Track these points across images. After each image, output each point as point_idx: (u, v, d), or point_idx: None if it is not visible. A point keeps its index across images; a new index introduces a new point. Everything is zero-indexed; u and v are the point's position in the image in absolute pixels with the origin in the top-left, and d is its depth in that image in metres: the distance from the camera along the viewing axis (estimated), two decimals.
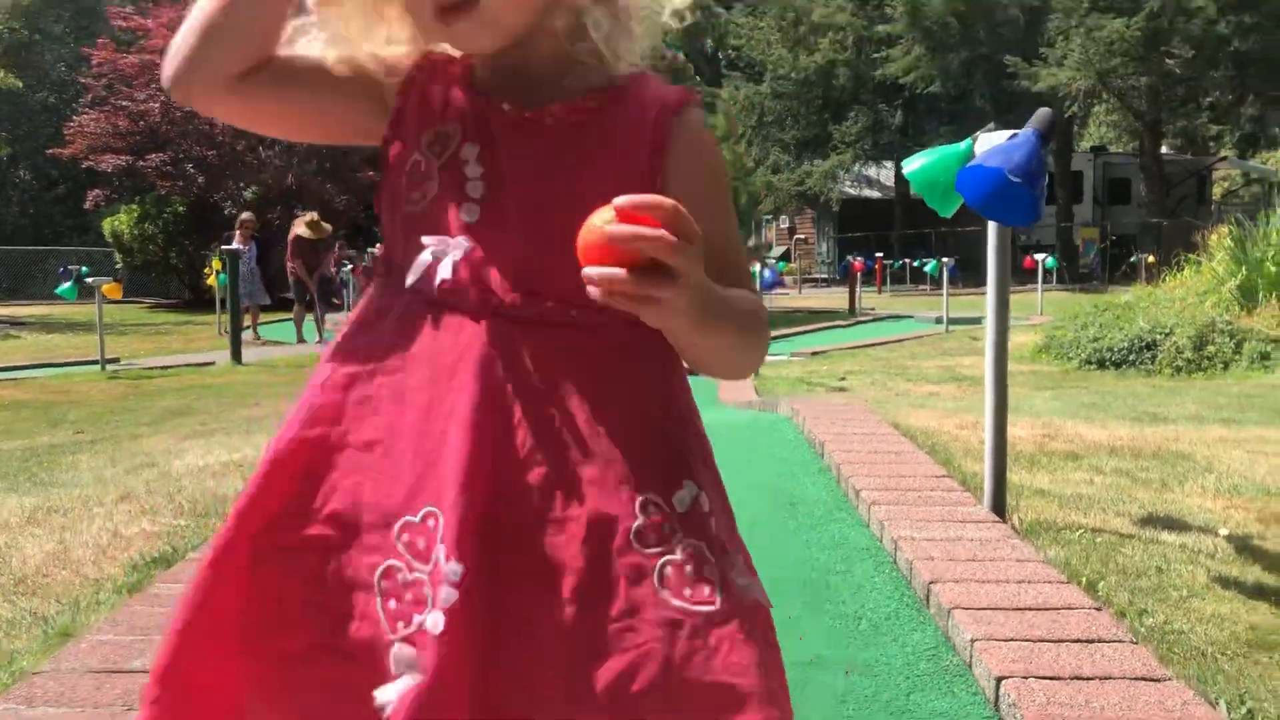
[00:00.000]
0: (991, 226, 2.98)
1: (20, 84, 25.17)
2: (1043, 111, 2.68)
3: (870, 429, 4.03)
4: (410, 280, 0.93)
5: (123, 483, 3.95)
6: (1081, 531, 2.99)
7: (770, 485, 3.46)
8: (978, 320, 8.81)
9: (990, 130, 3.03)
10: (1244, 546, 2.95)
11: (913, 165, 3.21)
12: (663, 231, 0.75)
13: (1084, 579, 2.57)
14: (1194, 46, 23.92)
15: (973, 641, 1.99)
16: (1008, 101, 28.59)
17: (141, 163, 24.28)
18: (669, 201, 0.76)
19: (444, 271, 0.91)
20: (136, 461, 4.55)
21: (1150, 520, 3.18)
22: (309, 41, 0.97)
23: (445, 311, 0.91)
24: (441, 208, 0.93)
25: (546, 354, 0.90)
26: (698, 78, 18.02)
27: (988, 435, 3.03)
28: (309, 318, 14.46)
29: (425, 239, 0.92)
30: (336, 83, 0.98)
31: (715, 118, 34.16)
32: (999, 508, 3.01)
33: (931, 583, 2.32)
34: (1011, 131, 2.80)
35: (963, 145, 3.13)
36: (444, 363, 0.90)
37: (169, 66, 0.95)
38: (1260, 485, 3.69)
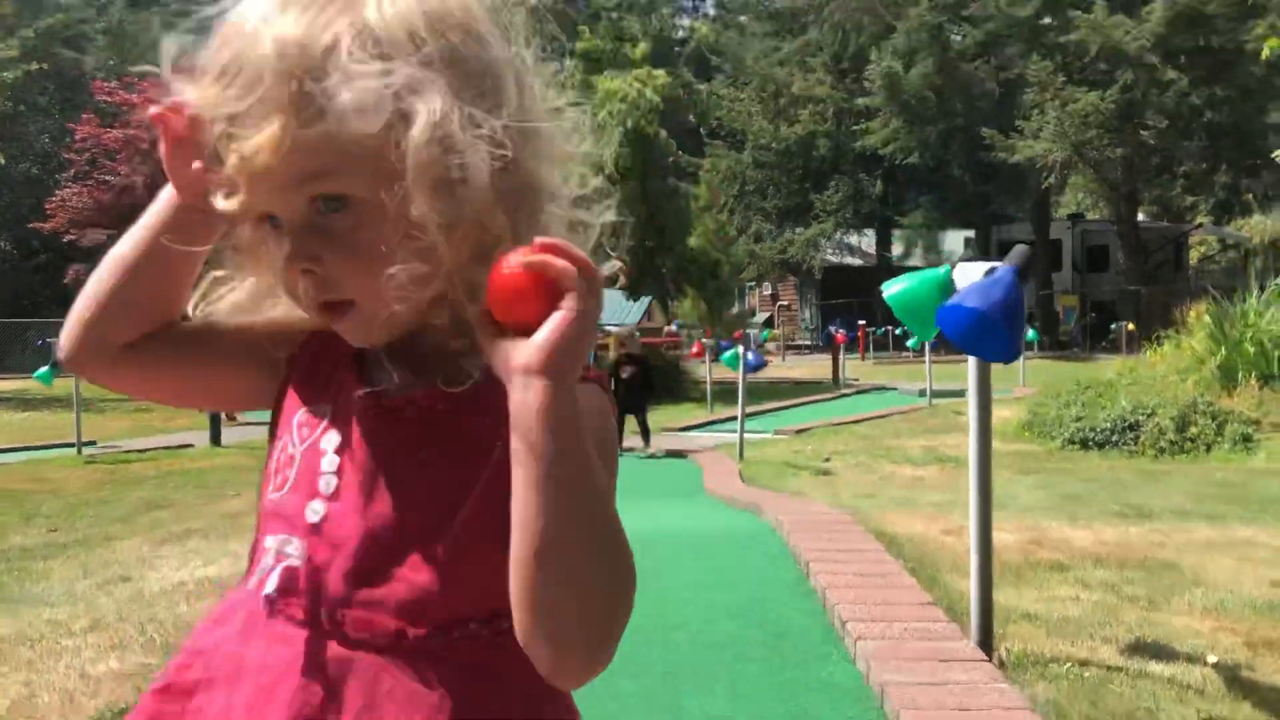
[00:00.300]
0: (972, 365, 2.97)
1: (2, 159, 25.22)
2: (1019, 248, 2.69)
3: (856, 544, 3.99)
4: (250, 583, 0.86)
5: (94, 603, 3.87)
6: (1069, 665, 2.94)
7: (756, 612, 3.40)
8: (960, 394, 8.80)
9: (967, 259, 3.04)
10: (1233, 678, 2.91)
11: (893, 290, 3.21)
12: (583, 254, 0.72)
13: None
14: (1167, 118, 24.40)
15: None
16: (985, 172, 29.05)
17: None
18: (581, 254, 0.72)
19: (270, 583, 0.82)
20: (110, 573, 4.46)
21: (1138, 648, 3.14)
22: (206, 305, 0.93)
23: (280, 621, 0.82)
24: (292, 501, 0.86)
25: (371, 687, 0.80)
26: (679, 152, 18.22)
27: (973, 567, 2.99)
28: None
29: (268, 539, 0.86)
30: (230, 348, 0.93)
31: (698, 189, 34.60)
32: (985, 640, 2.97)
33: None
34: (990, 265, 2.81)
35: (941, 271, 3.14)
36: (264, 684, 0.81)
37: (64, 339, 0.92)
38: (1248, 600, 3.66)
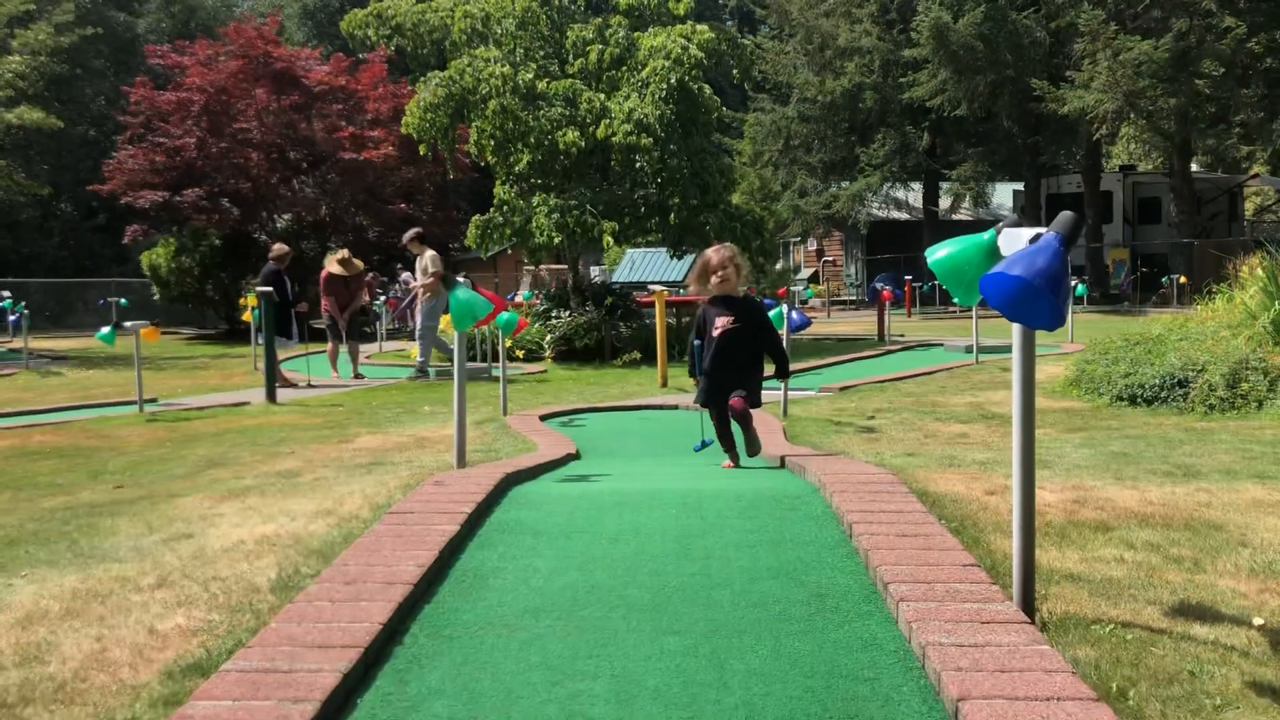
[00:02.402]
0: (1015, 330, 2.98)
1: (61, 123, 25.64)
2: (1064, 215, 2.69)
3: (898, 505, 4.02)
4: None
5: (160, 559, 4.02)
6: (1112, 627, 2.98)
7: (799, 572, 3.46)
8: (1007, 350, 8.73)
9: (1012, 225, 3.04)
10: (1278, 641, 2.92)
11: (937, 255, 3.22)
12: None
13: (1114, 686, 2.57)
14: (1224, 65, 23.74)
15: None
16: (1035, 124, 28.49)
17: (178, 197, 24.69)
18: None
19: None
20: (174, 530, 4.62)
21: (1182, 610, 3.16)
22: None
23: None
24: None
25: None
26: (723, 108, 18.07)
27: (1015, 528, 3.02)
28: (343, 353, 14.61)
29: None
30: None
31: (743, 144, 34.25)
32: (1027, 602, 3.00)
33: (960, 700, 2.33)
34: (1035, 231, 2.81)
35: (985, 236, 3.15)
36: None
37: None
38: None
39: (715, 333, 5.79)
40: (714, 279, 5.82)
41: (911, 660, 2.71)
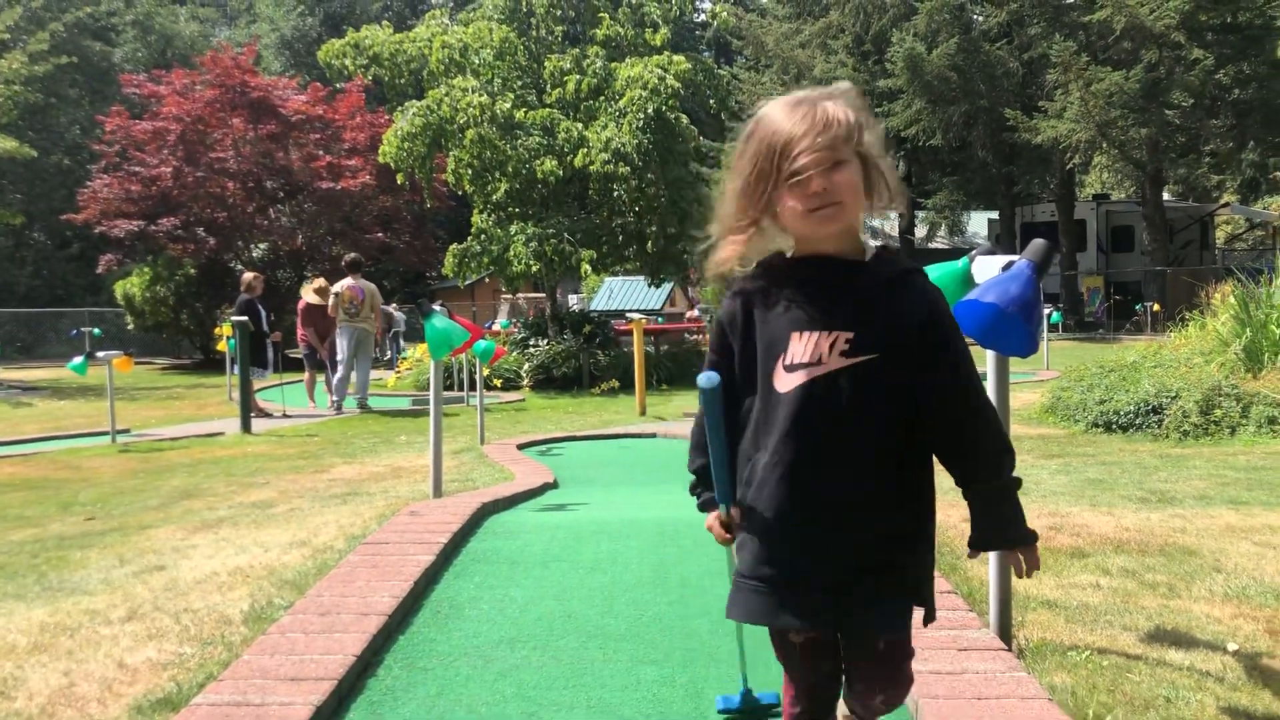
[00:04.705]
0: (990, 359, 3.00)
1: (34, 153, 25.51)
2: (1037, 243, 2.71)
3: None
4: None
5: (131, 592, 3.96)
6: (1088, 653, 2.98)
7: None
8: (982, 377, 8.74)
9: (986, 253, 3.07)
10: (1253, 666, 2.93)
11: None
12: None
13: (1090, 712, 2.57)
14: (1193, 96, 24.11)
15: None
16: (1009, 153, 28.82)
17: (153, 226, 24.58)
18: None
19: None
20: (145, 562, 4.56)
21: (1157, 636, 3.17)
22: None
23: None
24: None
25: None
26: (700, 137, 18.18)
27: (992, 555, 3.03)
28: (319, 382, 14.52)
29: None
30: None
31: (719, 174, 34.53)
32: (1004, 629, 3.00)
33: None
34: (1008, 259, 2.83)
35: (960, 264, 3.17)
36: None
37: None
38: (1269, 587, 3.68)
39: (783, 384, 1.86)
40: (792, 201, 1.82)
41: None
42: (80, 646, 3.29)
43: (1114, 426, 8.82)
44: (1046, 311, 18.10)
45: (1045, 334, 17.48)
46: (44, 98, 33.85)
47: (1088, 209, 32.04)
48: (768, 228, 1.85)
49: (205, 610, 3.59)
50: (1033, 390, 12.14)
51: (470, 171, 16.48)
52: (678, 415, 11.91)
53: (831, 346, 1.79)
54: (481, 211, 17.28)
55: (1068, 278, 29.16)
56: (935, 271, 3.23)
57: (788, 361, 1.81)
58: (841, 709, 2.09)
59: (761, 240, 1.86)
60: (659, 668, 2.93)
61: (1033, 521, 4.57)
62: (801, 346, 1.80)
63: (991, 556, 3.07)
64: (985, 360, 3.06)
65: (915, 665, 2.63)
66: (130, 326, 27.45)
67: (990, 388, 3.06)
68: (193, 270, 25.95)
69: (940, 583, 3.41)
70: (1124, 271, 30.26)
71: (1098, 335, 26.29)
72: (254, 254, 27.21)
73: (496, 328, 20.74)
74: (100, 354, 11.72)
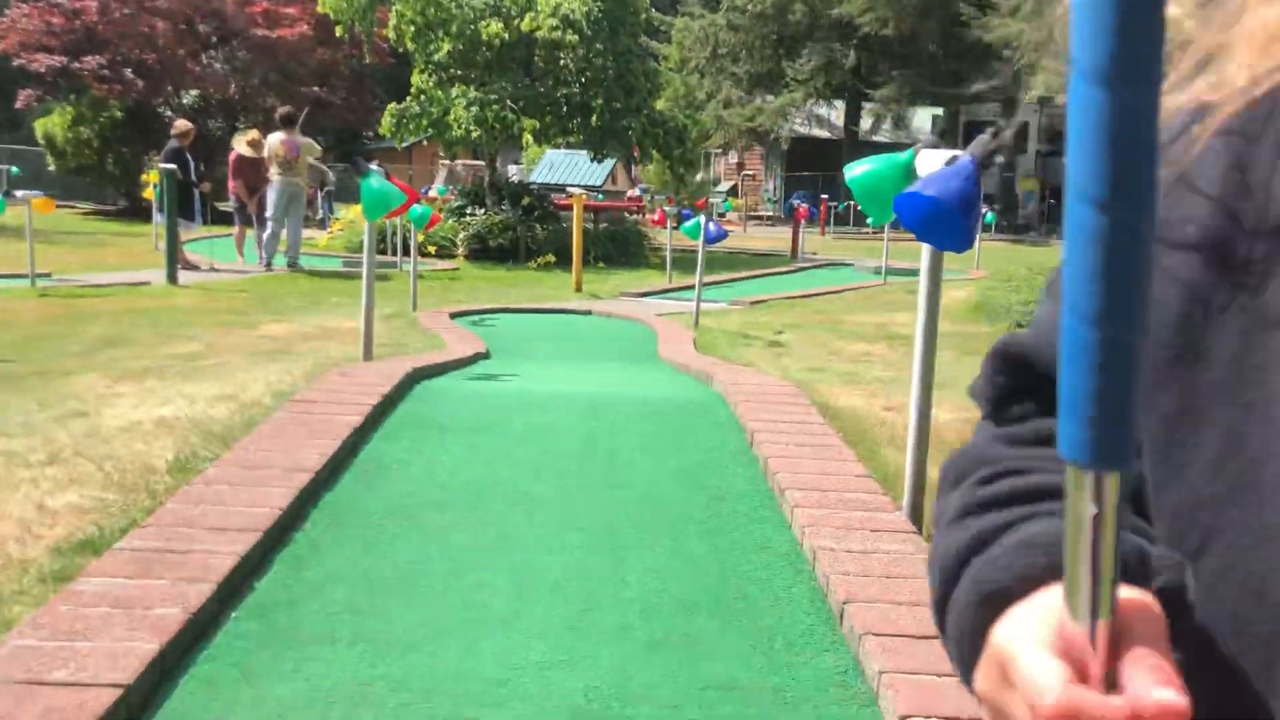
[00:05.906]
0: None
1: None
2: (981, 138, 2.73)
3: (800, 417, 4.12)
4: None
5: (51, 436, 3.92)
6: None
7: (700, 477, 3.54)
8: (915, 273, 8.87)
9: (929, 146, 3.08)
10: None
11: (855, 171, 3.25)
12: None
13: None
14: None
15: (880, 674, 2.09)
16: (958, 50, 28.62)
17: (77, 64, 23.42)
18: None
19: None
20: (66, 408, 4.49)
21: None
22: None
23: None
24: None
25: None
26: (651, 9, 17.75)
27: (910, 443, 3.13)
28: (249, 237, 14.19)
29: None
30: None
31: (669, 49, 33.70)
32: (916, 513, 3.12)
33: (845, 602, 2.43)
34: (951, 154, 2.85)
35: (904, 156, 3.18)
36: None
37: None
38: None
39: None
40: None
41: (802, 563, 2.81)
42: None
43: None
44: (981, 210, 18.28)
45: (979, 233, 17.71)
46: None
47: (1031, 111, 32.13)
48: None
49: (129, 458, 3.57)
50: (962, 288, 12.33)
51: (413, 28, 15.92)
52: (614, 294, 11.92)
53: None
54: (423, 71, 16.77)
55: (1006, 179, 29.42)
56: (878, 163, 3.24)
57: None
58: None
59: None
60: (583, 535, 3.01)
61: (951, 414, 4.72)
62: None
63: (910, 444, 3.17)
64: (920, 254, 3.10)
65: (828, 542, 2.74)
66: (51, 167, 26.40)
67: (922, 283, 3.11)
68: (119, 113, 24.91)
69: (857, 466, 3.53)
70: (1060, 174, 30.57)
71: (1029, 237, 26.68)
72: (184, 100, 26.19)
73: (433, 194, 20.36)
74: (19, 193, 11.30)
